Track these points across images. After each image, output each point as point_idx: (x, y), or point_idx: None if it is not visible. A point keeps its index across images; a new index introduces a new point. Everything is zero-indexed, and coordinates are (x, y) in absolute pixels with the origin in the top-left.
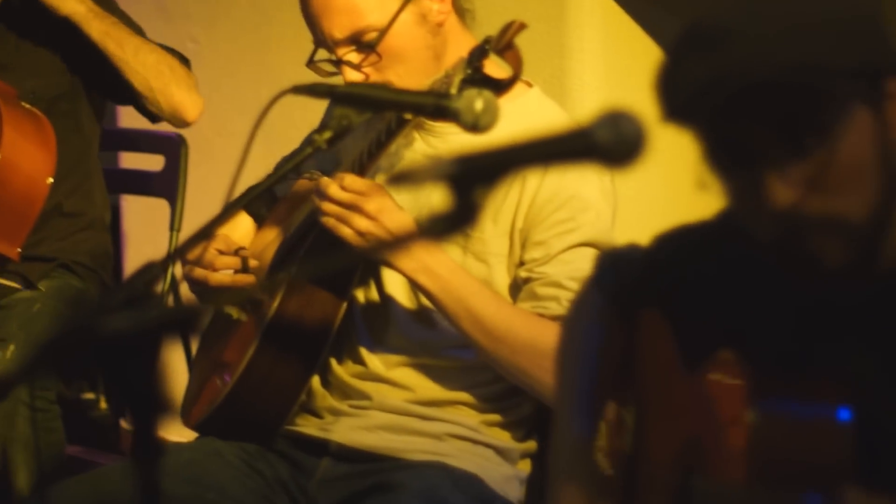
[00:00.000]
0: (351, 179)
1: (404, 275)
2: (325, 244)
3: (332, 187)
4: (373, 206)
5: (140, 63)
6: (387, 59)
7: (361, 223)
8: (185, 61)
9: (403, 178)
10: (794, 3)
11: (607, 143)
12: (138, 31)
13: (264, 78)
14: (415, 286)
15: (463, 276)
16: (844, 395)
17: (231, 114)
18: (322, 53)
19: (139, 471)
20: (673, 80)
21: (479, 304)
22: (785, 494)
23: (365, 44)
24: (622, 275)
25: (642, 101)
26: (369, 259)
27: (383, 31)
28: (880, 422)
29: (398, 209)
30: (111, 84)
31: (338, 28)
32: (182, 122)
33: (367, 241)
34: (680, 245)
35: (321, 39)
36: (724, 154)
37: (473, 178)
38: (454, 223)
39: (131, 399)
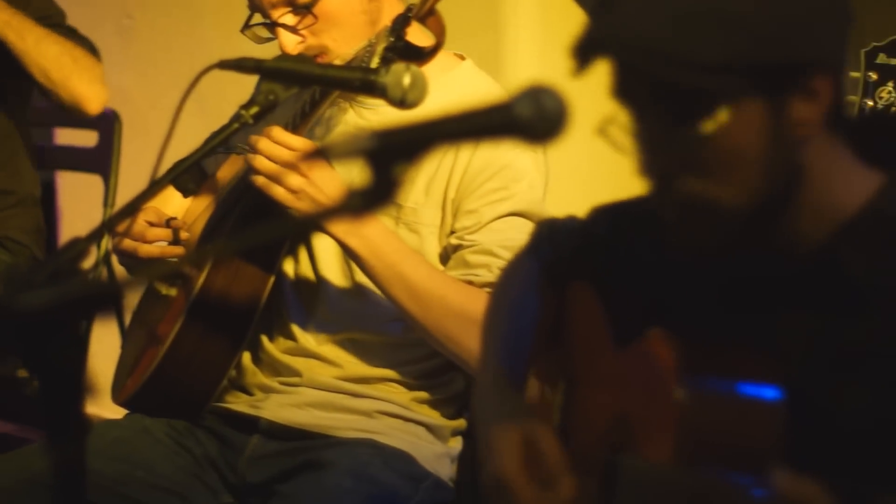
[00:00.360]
0: (279, 132)
1: (335, 238)
2: (255, 213)
3: (262, 141)
4: (305, 164)
5: (40, 54)
6: (322, 22)
7: (294, 180)
8: (94, 52)
9: (322, 153)
10: None
11: (527, 118)
12: (59, 17)
13: (198, 52)
14: (345, 250)
15: (394, 241)
16: (775, 374)
17: (165, 88)
18: (258, 18)
19: (56, 449)
20: (580, 37)
21: (410, 270)
22: (714, 474)
23: (300, 6)
24: (558, 245)
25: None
26: (299, 225)
27: None
28: (810, 400)
29: (331, 169)
30: (20, 70)
31: None
32: (83, 114)
33: (300, 201)
34: (615, 219)
35: (256, 3)
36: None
37: (392, 154)
38: (373, 199)
39: (50, 376)
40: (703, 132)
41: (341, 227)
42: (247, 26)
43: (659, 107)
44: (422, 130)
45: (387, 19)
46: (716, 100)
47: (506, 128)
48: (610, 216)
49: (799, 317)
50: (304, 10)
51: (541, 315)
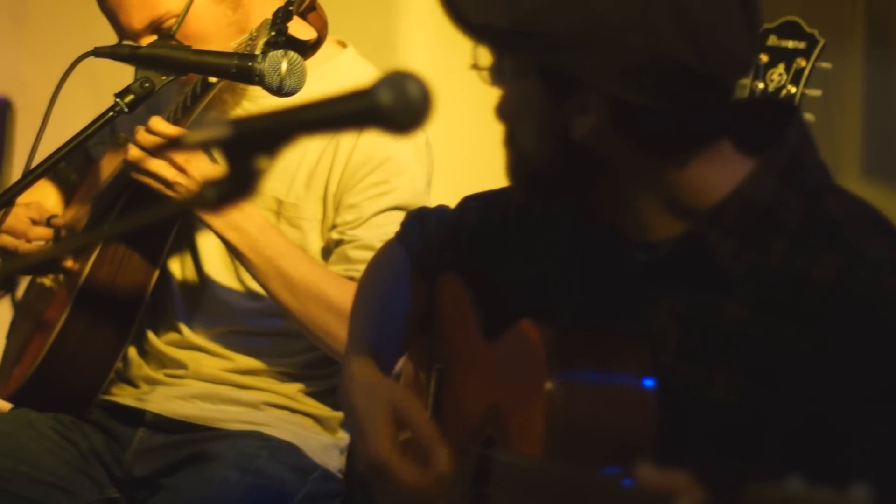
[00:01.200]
0: (157, 121)
1: (213, 230)
2: (137, 204)
3: (140, 133)
4: (181, 156)
5: None
6: (191, 43)
7: (169, 172)
8: None
9: (179, 144)
10: None
11: (388, 105)
12: None
13: (92, 43)
14: (224, 243)
15: (273, 235)
16: (646, 364)
17: (60, 76)
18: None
19: None
20: None
21: (289, 264)
22: (585, 468)
23: (165, 31)
24: (427, 236)
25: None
26: (179, 216)
27: (181, 17)
28: (682, 388)
29: (209, 160)
30: None
31: (136, 19)
32: None
33: (175, 192)
34: (485, 209)
35: (123, 33)
36: None
37: (250, 144)
38: (230, 191)
39: None
40: (501, 78)
41: (220, 220)
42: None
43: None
44: (280, 118)
45: (257, 21)
46: (509, 61)
47: (367, 115)
48: (480, 206)
49: (669, 304)
50: (168, 36)
51: (411, 305)
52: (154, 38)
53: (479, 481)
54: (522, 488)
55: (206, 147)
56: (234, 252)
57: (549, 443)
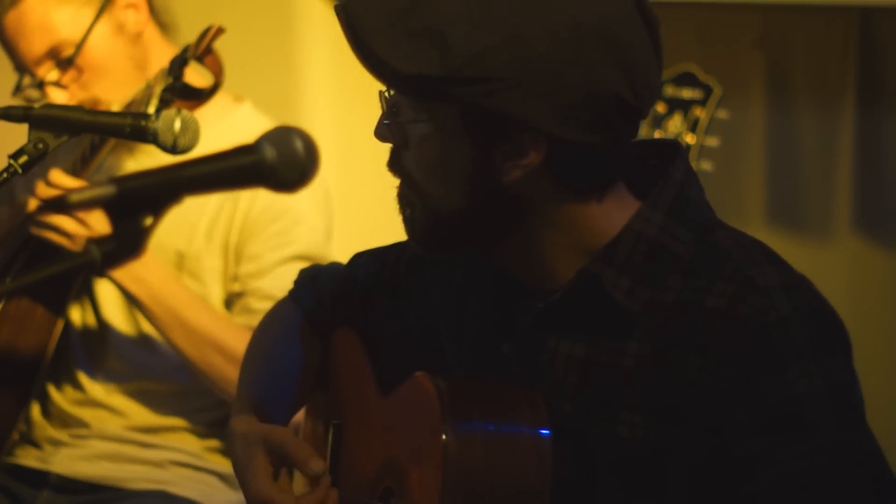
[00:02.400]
0: (56, 174)
1: (114, 282)
2: (39, 259)
3: (40, 186)
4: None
5: None
6: (88, 73)
7: (70, 225)
8: None
9: (63, 204)
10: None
11: (272, 161)
12: None
13: None
14: (125, 295)
15: (175, 286)
16: (542, 413)
17: None
18: (30, 79)
19: None
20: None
21: (191, 316)
22: None
23: (64, 60)
24: (320, 293)
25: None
26: (79, 270)
27: (80, 45)
28: (583, 434)
29: None
30: None
31: (35, 47)
32: None
33: (76, 245)
34: (376, 266)
35: (21, 63)
36: None
37: (135, 203)
38: (116, 254)
39: None
40: (412, 133)
41: (121, 273)
42: (18, 89)
43: (392, 94)
44: (164, 177)
45: (155, 62)
46: (421, 107)
47: (251, 173)
48: (370, 262)
49: (568, 348)
50: (67, 64)
51: (304, 361)
52: (50, 65)
53: None
54: None
55: (90, 206)
56: (135, 304)
57: (446, 494)
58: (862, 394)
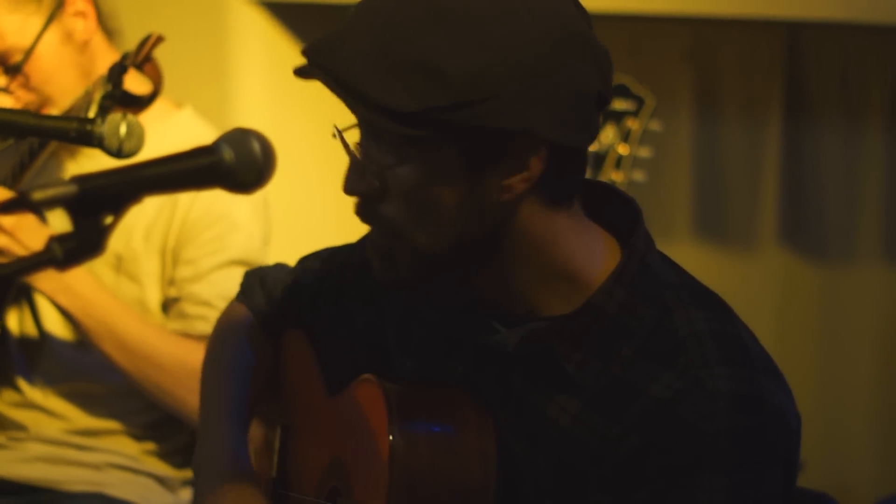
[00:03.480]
0: None
1: (45, 295)
2: None
3: None
4: (9, 221)
5: None
6: (35, 79)
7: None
8: None
9: (20, 203)
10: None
11: (230, 163)
12: None
13: None
14: (56, 307)
15: (106, 296)
16: (487, 418)
17: None
18: None
19: None
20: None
21: (122, 325)
22: None
23: (11, 66)
24: (269, 296)
25: (308, 122)
26: (11, 281)
27: (28, 52)
28: (514, 461)
29: (38, 225)
30: None
31: None
32: None
33: (5, 258)
34: (324, 267)
35: None
36: None
37: (96, 202)
38: (77, 251)
39: None
40: (399, 173)
41: (50, 284)
42: None
43: (364, 138)
44: (124, 176)
45: (101, 68)
46: (408, 146)
47: (209, 173)
48: (318, 266)
49: (504, 384)
50: (14, 71)
51: (257, 364)
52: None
53: None
54: None
55: (53, 205)
56: (66, 315)
57: (393, 494)
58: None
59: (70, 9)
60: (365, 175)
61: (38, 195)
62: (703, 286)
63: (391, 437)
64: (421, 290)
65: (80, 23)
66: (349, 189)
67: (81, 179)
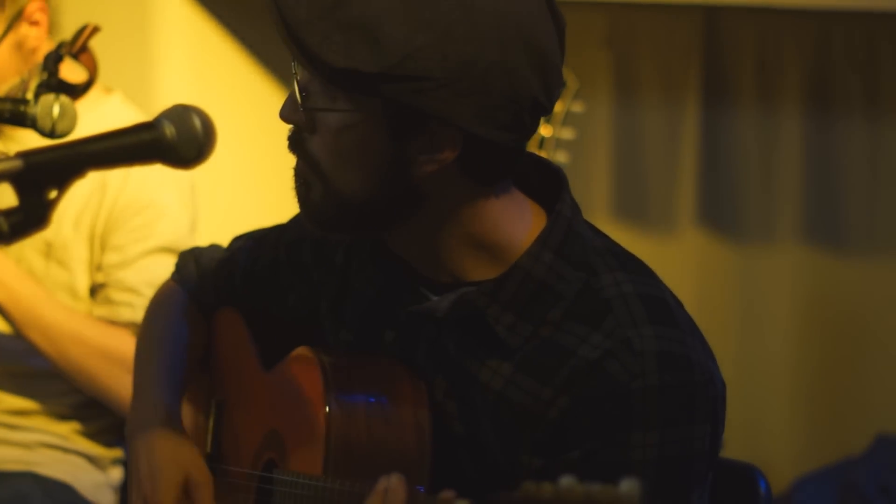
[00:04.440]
0: None
1: None
2: None
3: None
4: None
5: None
6: None
7: None
8: None
9: None
10: None
11: (171, 138)
12: None
13: None
14: None
15: (30, 285)
16: (421, 388)
17: None
18: None
19: None
20: None
21: (47, 313)
22: (363, 482)
23: None
24: (203, 274)
25: (232, 105)
26: None
27: None
28: (452, 426)
29: None
30: None
31: None
32: None
33: None
34: (256, 247)
35: None
36: None
37: (41, 177)
38: (22, 225)
39: None
40: (324, 120)
41: None
42: None
43: (301, 78)
44: (69, 151)
45: (42, 57)
46: (340, 97)
47: (151, 148)
48: (250, 245)
49: (441, 351)
50: None
51: (191, 342)
52: None
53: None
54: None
55: None
56: None
57: (329, 464)
58: (706, 462)
59: (27, 18)
60: (298, 108)
61: None
62: (628, 252)
63: (328, 408)
64: (333, 232)
65: (34, 31)
66: (283, 116)
67: (26, 155)
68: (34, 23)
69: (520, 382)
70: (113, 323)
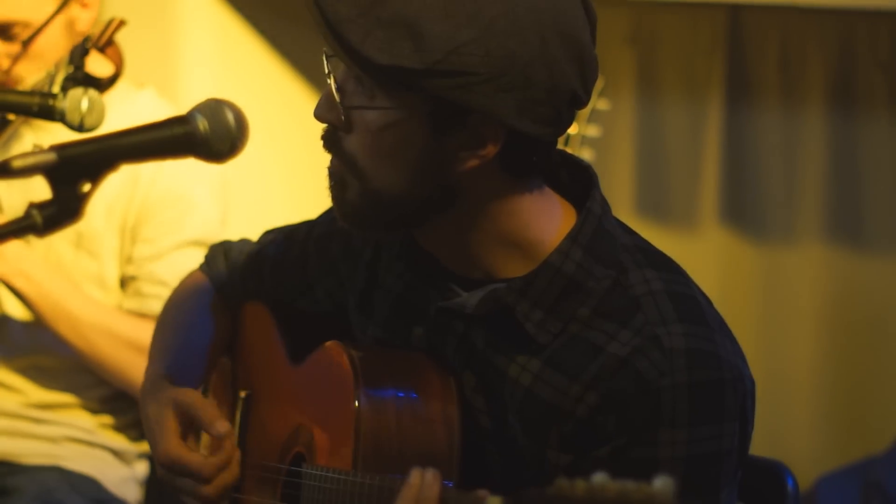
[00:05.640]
0: None
1: (1, 279)
2: None
3: None
4: None
5: None
6: (28, 56)
7: None
8: None
9: (6, 170)
10: None
11: (204, 132)
12: None
13: None
14: (11, 290)
15: (59, 279)
16: (450, 384)
17: None
18: None
19: None
20: None
21: (76, 307)
22: (393, 478)
23: (10, 35)
24: (231, 267)
25: (257, 100)
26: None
27: (38, 31)
28: (480, 423)
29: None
30: None
31: None
32: None
33: None
34: (286, 241)
35: None
36: None
37: (74, 170)
38: (56, 218)
39: None
40: (362, 118)
41: (5, 268)
42: None
43: (344, 72)
44: (102, 145)
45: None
46: (380, 94)
47: (184, 143)
48: (280, 239)
49: (469, 346)
50: (10, 39)
51: (215, 333)
52: None
53: (288, 498)
54: (333, 499)
55: (32, 173)
56: (21, 298)
57: (358, 459)
58: (736, 459)
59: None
60: (335, 107)
61: (18, 163)
62: (658, 250)
63: (357, 403)
64: (369, 230)
65: (84, 14)
66: (318, 115)
67: (60, 147)
68: (85, 5)
69: (548, 378)
70: (142, 315)
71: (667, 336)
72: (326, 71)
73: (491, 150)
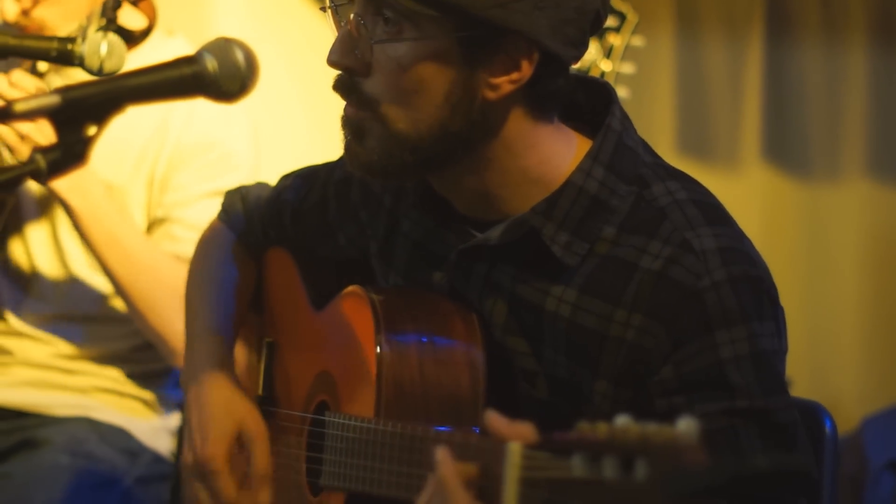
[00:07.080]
0: (20, 75)
1: (56, 194)
2: None
3: (2, 83)
4: (27, 127)
5: None
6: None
7: (23, 126)
8: None
9: (3, 114)
10: None
11: (213, 71)
12: None
13: None
14: (65, 207)
15: (111, 202)
16: (474, 327)
17: None
18: None
19: None
20: None
21: (125, 236)
22: (415, 426)
23: None
24: (250, 215)
25: (288, 49)
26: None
27: None
28: (511, 362)
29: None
30: None
31: None
32: None
33: (24, 146)
34: (305, 185)
35: None
36: None
37: (80, 112)
38: (61, 162)
39: None
40: (392, 50)
41: (64, 183)
42: None
43: (361, 11)
44: (107, 86)
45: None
46: (409, 24)
47: (192, 83)
48: (298, 184)
49: (498, 283)
50: None
51: (241, 283)
52: None
53: (313, 447)
54: (356, 448)
55: (36, 115)
56: (73, 217)
57: (381, 405)
58: (785, 361)
59: None
60: (353, 49)
61: (21, 106)
62: (678, 169)
63: (378, 349)
64: (388, 178)
65: None
66: (334, 61)
67: (64, 90)
68: None
69: (588, 306)
70: (178, 258)
71: (696, 239)
72: (335, 18)
73: (525, 71)
